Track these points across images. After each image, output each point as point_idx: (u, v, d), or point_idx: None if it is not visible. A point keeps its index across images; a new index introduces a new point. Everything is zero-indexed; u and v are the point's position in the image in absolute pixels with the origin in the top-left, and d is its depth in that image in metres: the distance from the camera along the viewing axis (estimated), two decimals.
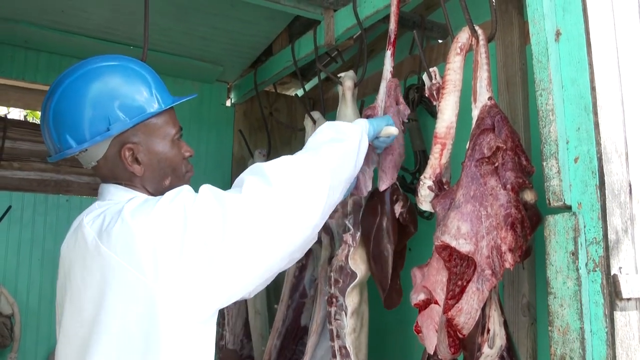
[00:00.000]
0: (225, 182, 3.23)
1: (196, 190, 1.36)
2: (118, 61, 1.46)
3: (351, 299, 1.88)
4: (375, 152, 1.85)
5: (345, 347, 1.86)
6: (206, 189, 1.35)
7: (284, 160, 1.45)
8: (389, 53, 1.90)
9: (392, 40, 1.90)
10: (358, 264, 1.87)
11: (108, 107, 1.38)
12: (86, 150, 1.40)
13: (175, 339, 1.25)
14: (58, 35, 2.62)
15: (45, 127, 1.42)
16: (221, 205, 1.30)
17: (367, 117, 1.90)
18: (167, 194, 1.34)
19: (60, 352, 1.34)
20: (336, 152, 1.52)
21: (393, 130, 1.76)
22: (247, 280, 1.34)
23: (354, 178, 1.68)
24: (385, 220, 1.81)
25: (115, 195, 1.42)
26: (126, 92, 1.41)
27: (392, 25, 1.89)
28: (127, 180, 1.44)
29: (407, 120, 1.88)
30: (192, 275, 1.25)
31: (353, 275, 1.85)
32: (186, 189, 1.36)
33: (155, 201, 1.32)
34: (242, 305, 2.85)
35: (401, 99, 1.87)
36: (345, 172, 1.55)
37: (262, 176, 1.37)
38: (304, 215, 1.39)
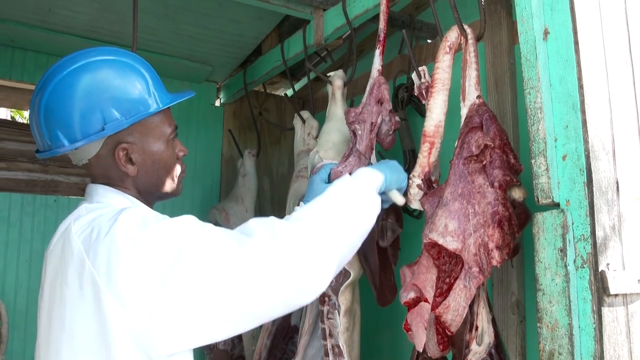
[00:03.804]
0: (215, 182, 3.23)
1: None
2: (114, 55, 1.38)
3: (344, 298, 1.88)
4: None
5: (338, 346, 1.86)
6: (214, 229, 1.25)
7: (297, 223, 1.31)
8: (377, 52, 1.91)
9: (381, 39, 1.90)
10: (351, 263, 1.87)
11: (103, 105, 1.30)
12: (78, 148, 1.33)
13: None
14: (45, 34, 2.60)
15: (35, 123, 1.35)
16: (222, 253, 1.20)
17: (349, 113, 1.89)
18: (169, 221, 1.25)
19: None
20: (348, 224, 1.38)
21: (399, 200, 1.63)
22: (228, 331, 1.24)
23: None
24: None
25: (105, 197, 1.36)
26: (123, 89, 1.33)
27: (382, 24, 1.89)
28: (119, 180, 1.38)
29: (387, 119, 1.86)
30: (169, 312, 1.16)
31: (346, 274, 1.85)
32: (192, 220, 1.27)
33: (152, 223, 1.22)
34: None
35: (386, 97, 1.86)
36: (354, 236, 1.41)
37: (271, 233, 1.26)
38: (310, 283, 1.27)
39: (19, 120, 6.54)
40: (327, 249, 1.30)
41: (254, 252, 1.21)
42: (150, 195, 1.44)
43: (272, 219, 1.32)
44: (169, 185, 1.45)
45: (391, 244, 1.82)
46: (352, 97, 2.70)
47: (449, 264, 1.48)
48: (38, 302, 1.34)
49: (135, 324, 1.16)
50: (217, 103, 3.39)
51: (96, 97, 1.31)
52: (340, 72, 2.17)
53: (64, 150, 1.32)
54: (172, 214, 3.36)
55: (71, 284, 1.20)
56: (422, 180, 1.60)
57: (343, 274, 1.86)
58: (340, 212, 1.38)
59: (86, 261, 1.19)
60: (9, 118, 6.54)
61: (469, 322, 1.45)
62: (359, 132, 1.85)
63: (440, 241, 1.44)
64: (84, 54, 1.36)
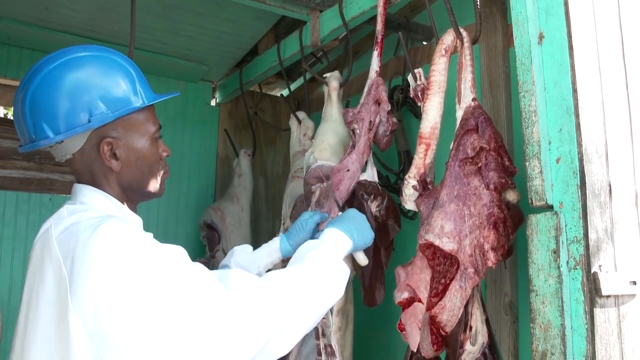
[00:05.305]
0: (210, 181, 3.24)
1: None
2: (101, 52, 1.40)
3: None
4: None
5: (330, 346, 1.87)
6: (199, 270, 1.24)
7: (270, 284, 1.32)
8: (375, 53, 1.92)
9: (379, 40, 1.91)
10: (345, 263, 1.88)
11: (90, 98, 1.31)
12: (62, 142, 1.33)
13: None
14: (41, 32, 2.60)
15: (19, 115, 1.34)
16: (202, 297, 1.19)
17: (347, 114, 1.92)
18: (160, 247, 1.22)
19: None
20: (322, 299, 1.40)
21: (362, 261, 1.67)
22: None
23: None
24: None
25: (87, 197, 1.35)
26: (109, 83, 1.35)
27: (379, 26, 1.91)
28: (102, 176, 1.37)
29: (385, 119, 1.88)
30: (128, 340, 1.13)
31: None
32: (181, 253, 1.25)
33: (135, 244, 1.20)
34: None
35: (384, 97, 1.88)
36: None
37: (251, 290, 1.26)
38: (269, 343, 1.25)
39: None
40: (291, 313, 1.30)
41: (230, 302, 1.21)
42: (134, 194, 1.43)
43: (259, 281, 1.31)
44: (152, 184, 1.44)
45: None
46: (348, 97, 2.71)
47: (444, 265, 1.49)
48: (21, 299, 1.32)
49: (93, 344, 1.13)
50: (213, 103, 3.39)
51: (83, 90, 1.32)
52: (336, 73, 2.18)
53: (47, 142, 1.31)
54: (167, 213, 3.35)
55: (48, 289, 1.19)
56: (417, 181, 1.62)
57: None
58: (310, 284, 1.38)
59: (63, 268, 1.17)
60: (2, 116, 6.51)
61: (463, 322, 1.47)
62: (358, 130, 1.87)
63: (437, 242, 1.45)
64: (72, 50, 1.37)
